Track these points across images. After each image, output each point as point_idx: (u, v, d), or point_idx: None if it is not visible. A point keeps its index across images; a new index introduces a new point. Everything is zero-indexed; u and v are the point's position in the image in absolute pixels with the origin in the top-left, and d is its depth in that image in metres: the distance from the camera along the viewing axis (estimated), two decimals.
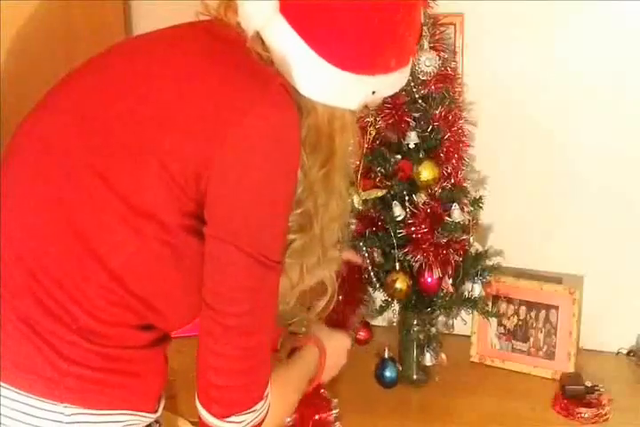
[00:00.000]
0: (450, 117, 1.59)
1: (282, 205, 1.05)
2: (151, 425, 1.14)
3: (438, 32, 1.61)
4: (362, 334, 1.68)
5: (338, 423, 1.51)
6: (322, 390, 1.49)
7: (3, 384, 1.02)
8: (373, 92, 1.09)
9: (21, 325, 1.03)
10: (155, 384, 1.12)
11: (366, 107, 1.14)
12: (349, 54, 1.04)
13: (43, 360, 1.02)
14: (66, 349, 1.02)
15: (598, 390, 1.61)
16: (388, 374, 1.65)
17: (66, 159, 1.05)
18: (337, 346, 1.39)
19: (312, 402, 1.47)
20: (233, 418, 1.09)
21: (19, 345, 1.03)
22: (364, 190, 1.60)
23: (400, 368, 1.67)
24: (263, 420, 1.13)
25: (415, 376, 1.69)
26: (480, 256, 1.66)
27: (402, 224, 1.59)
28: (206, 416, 1.11)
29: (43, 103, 1.16)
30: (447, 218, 1.57)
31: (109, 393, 1.06)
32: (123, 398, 1.08)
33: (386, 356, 1.66)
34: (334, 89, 1.06)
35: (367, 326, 1.69)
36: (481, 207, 1.67)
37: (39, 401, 1.02)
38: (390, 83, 1.11)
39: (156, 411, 1.14)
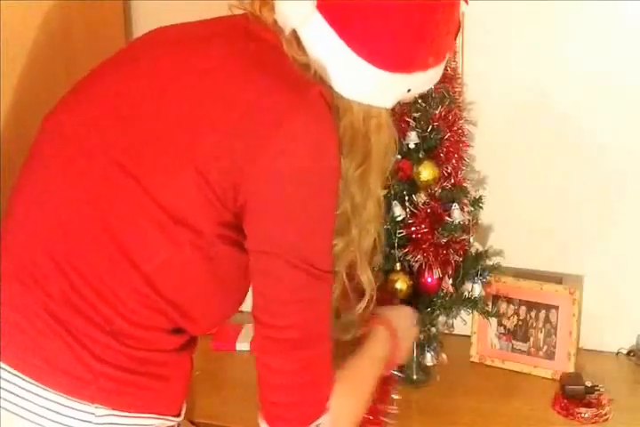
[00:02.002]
0: (450, 117, 1.59)
1: (326, 215, 1.03)
2: None
3: None
4: None
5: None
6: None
7: (34, 382, 1.02)
8: (409, 90, 1.08)
9: (55, 324, 1.02)
10: (181, 388, 1.12)
11: (399, 104, 1.12)
12: (388, 53, 1.03)
13: (75, 360, 1.01)
14: (98, 349, 1.02)
15: (598, 390, 1.60)
16: None
17: (98, 156, 1.04)
18: (407, 325, 1.34)
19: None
20: None
21: (52, 344, 1.02)
22: None
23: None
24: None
25: (415, 376, 1.69)
26: (480, 256, 1.66)
27: (402, 224, 1.58)
28: None
29: (73, 95, 1.13)
30: (447, 218, 1.57)
31: (140, 396, 1.05)
32: (152, 402, 1.07)
33: None
34: (371, 88, 1.04)
35: None
36: (481, 207, 1.67)
37: (70, 400, 1.01)
38: (427, 79, 1.10)
39: (179, 415, 1.13)
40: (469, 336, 1.79)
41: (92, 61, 1.79)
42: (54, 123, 1.12)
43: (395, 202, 1.58)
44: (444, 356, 1.68)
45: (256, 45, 1.05)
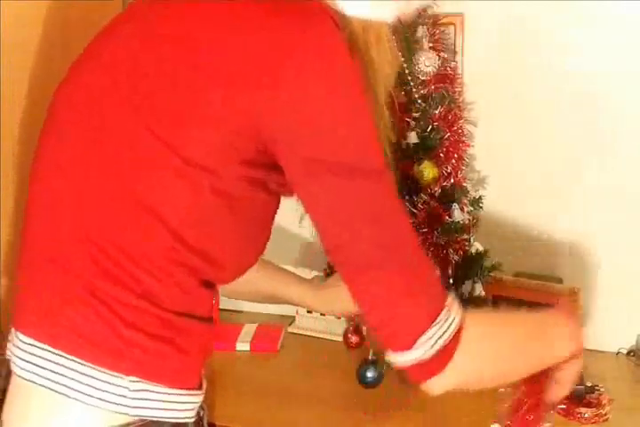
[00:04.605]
0: (450, 117, 1.59)
1: (361, 117, 0.98)
2: (199, 412, 1.11)
3: (438, 32, 1.61)
4: (354, 339, 1.67)
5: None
6: None
7: (68, 356, 1.00)
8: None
9: (84, 293, 1.00)
10: (199, 365, 1.09)
11: (400, 22, 1.09)
12: None
13: (106, 329, 0.99)
14: (129, 314, 0.99)
15: (598, 390, 1.60)
16: (369, 374, 1.64)
17: (109, 117, 1.03)
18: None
19: (539, 379, 1.24)
20: (419, 341, 0.98)
21: (83, 316, 1.00)
22: None
23: (382, 370, 1.65)
24: (457, 335, 1.00)
25: None
26: (480, 256, 1.66)
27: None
28: (400, 360, 1.01)
29: (88, 56, 1.12)
30: (447, 218, 1.57)
31: (168, 368, 1.03)
32: (178, 375, 1.05)
33: (370, 358, 1.65)
34: (370, 1, 1.02)
35: (359, 330, 1.67)
36: (481, 207, 1.67)
37: (104, 374, 0.99)
38: None
39: (202, 394, 1.11)
40: None
41: None
42: (68, 91, 1.11)
43: None
44: None
45: None
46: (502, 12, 1.73)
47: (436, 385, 1.03)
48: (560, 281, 1.74)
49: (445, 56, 1.61)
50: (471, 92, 1.75)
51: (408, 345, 0.99)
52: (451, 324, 1.00)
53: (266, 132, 0.96)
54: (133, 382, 1.00)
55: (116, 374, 0.99)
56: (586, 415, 1.55)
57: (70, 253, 1.02)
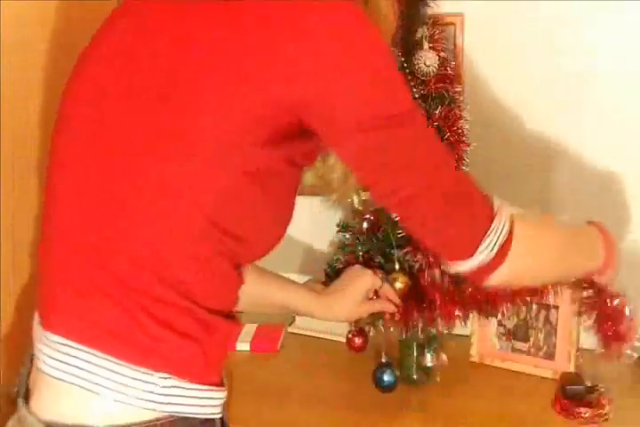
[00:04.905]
0: (450, 117, 1.59)
1: (387, 64, 1.02)
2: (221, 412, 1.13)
3: (438, 32, 1.61)
4: (358, 342, 1.66)
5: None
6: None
7: (99, 354, 1.01)
8: None
9: (111, 288, 1.01)
10: (224, 360, 1.12)
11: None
12: None
13: (138, 327, 1.01)
14: (162, 311, 1.01)
15: (598, 390, 1.60)
16: (386, 378, 1.64)
17: (128, 103, 1.03)
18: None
19: (607, 314, 1.47)
20: (480, 248, 1.12)
21: (113, 313, 1.01)
22: (364, 190, 1.60)
23: (398, 372, 1.66)
24: (510, 236, 1.13)
25: (415, 376, 1.69)
26: None
27: (402, 224, 1.58)
28: (463, 268, 1.15)
29: (91, 50, 1.13)
30: None
31: (197, 364, 1.05)
32: (203, 371, 1.07)
33: (383, 361, 1.65)
34: None
35: (363, 332, 1.67)
36: None
37: (133, 371, 1.00)
38: None
39: (225, 390, 1.13)
40: (469, 336, 1.79)
41: None
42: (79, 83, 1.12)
43: None
44: (444, 357, 1.68)
45: None
46: (502, 12, 1.73)
47: (492, 281, 1.16)
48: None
49: (445, 56, 1.61)
50: (471, 92, 1.75)
51: (470, 254, 1.12)
52: (503, 227, 1.13)
53: (300, 101, 0.98)
54: (162, 378, 1.01)
55: (145, 370, 1.00)
56: (586, 415, 1.55)
57: (100, 250, 1.02)
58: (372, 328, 1.64)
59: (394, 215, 1.57)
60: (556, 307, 1.72)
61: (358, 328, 1.66)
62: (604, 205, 1.76)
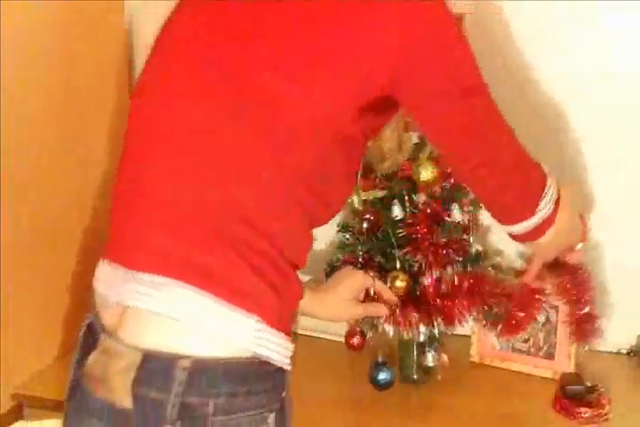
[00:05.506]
0: None
1: (465, 42, 1.18)
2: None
3: None
4: (356, 341, 1.67)
5: None
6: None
7: (196, 290, 1.08)
8: None
9: (212, 233, 1.09)
10: (293, 316, 1.21)
11: None
12: None
13: (237, 272, 1.09)
14: (257, 259, 1.09)
15: (598, 390, 1.60)
16: (381, 376, 1.64)
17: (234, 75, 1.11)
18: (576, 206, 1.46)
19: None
20: (539, 208, 1.31)
21: (217, 258, 1.09)
22: (364, 190, 1.60)
23: (394, 371, 1.66)
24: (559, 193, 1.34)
25: (416, 376, 1.69)
26: (480, 256, 1.66)
27: (402, 224, 1.59)
28: (525, 226, 1.32)
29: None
30: (447, 218, 1.57)
31: (279, 313, 1.13)
32: (285, 321, 1.15)
33: (379, 360, 1.65)
34: None
35: (361, 331, 1.67)
36: (481, 207, 1.67)
37: (233, 312, 1.08)
38: None
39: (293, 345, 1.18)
40: (469, 336, 1.79)
41: (92, 61, 1.80)
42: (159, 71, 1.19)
43: (395, 202, 1.59)
44: (445, 357, 1.68)
45: None
46: (502, 12, 1.73)
47: (548, 235, 1.35)
48: None
49: None
50: None
51: (533, 212, 1.31)
52: (553, 184, 1.33)
53: (391, 76, 1.10)
54: (254, 320, 1.09)
55: (241, 311, 1.08)
56: (586, 415, 1.55)
57: (204, 201, 1.10)
58: (370, 328, 1.64)
59: (394, 215, 1.58)
60: (556, 307, 1.72)
61: (356, 328, 1.67)
62: (605, 206, 1.76)
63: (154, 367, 1.07)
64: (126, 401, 1.08)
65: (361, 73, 1.09)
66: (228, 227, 1.09)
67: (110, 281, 1.16)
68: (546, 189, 1.31)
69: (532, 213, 1.31)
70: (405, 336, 1.64)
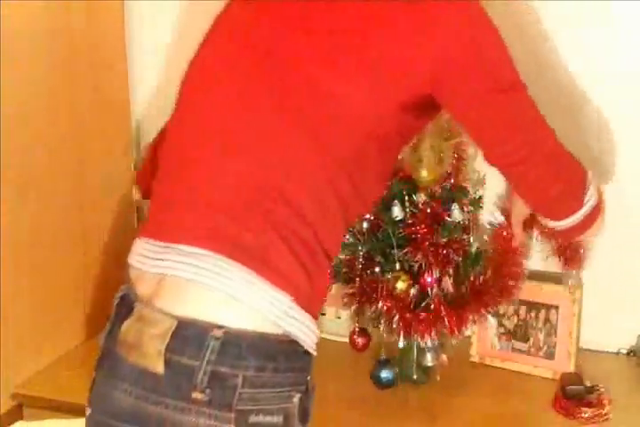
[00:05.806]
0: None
1: (503, 41, 1.20)
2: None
3: None
4: (360, 341, 1.67)
5: None
6: None
7: (238, 265, 1.11)
8: None
9: (259, 217, 1.13)
10: (322, 304, 1.23)
11: None
12: None
13: (275, 251, 1.12)
14: (296, 244, 1.13)
15: (598, 390, 1.61)
16: (384, 374, 1.65)
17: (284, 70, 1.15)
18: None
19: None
20: (584, 201, 1.32)
21: (261, 239, 1.13)
22: None
23: (397, 370, 1.66)
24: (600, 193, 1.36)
25: (415, 376, 1.69)
26: (480, 256, 1.66)
27: (402, 224, 1.59)
28: (573, 220, 1.33)
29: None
30: (447, 218, 1.57)
31: (311, 299, 1.16)
32: (315, 307, 1.18)
33: (381, 357, 1.65)
34: None
35: (365, 332, 1.68)
36: (481, 207, 1.67)
37: (269, 287, 1.11)
38: None
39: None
40: (469, 336, 1.79)
41: (92, 61, 1.80)
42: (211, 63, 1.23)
43: (395, 202, 1.59)
44: (444, 357, 1.68)
45: None
46: (502, 12, 1.72)
47: (593, 229, 1.37)
48: (560, 281, 1.74)
49: None
50: None
51: (580, 206, 1.32)
52: (593, 179, 1.34)
53: (435, 75, 1.13)
54: (290, 300, 1.12)
55: (279, 290, 1.12)
56: (586, 415, 1.56)
57: (248, 182, 1.15)
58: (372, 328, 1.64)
59: (394, 215, 1.58)
60: (556, 307, 1.72)
61: (360, 328, 1.67)
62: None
63: (188, 335, 1.09)
64: (159, 367, 1.09)
65: (405, 73, 1.13)
66: (269, 208, 1.13)
67: (147, 254, 1.18)
68: (587, 179, 1.33)
69: (581, 204, 1.32)
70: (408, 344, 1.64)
